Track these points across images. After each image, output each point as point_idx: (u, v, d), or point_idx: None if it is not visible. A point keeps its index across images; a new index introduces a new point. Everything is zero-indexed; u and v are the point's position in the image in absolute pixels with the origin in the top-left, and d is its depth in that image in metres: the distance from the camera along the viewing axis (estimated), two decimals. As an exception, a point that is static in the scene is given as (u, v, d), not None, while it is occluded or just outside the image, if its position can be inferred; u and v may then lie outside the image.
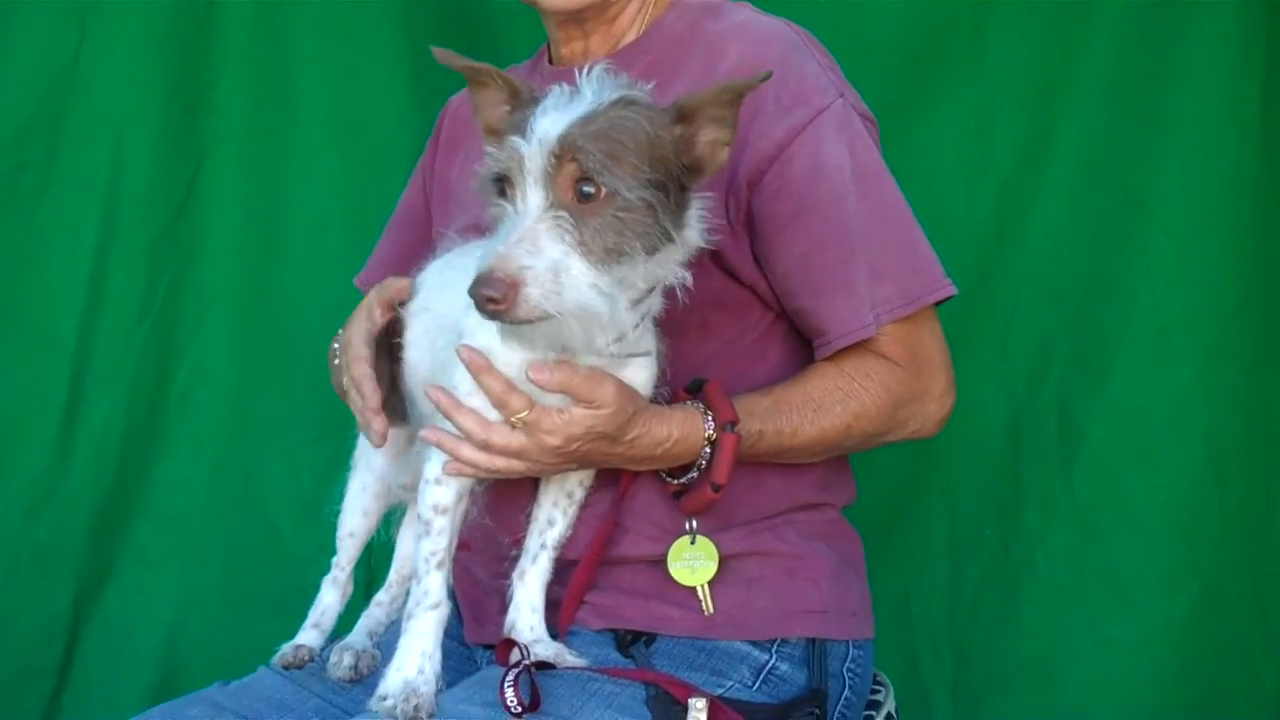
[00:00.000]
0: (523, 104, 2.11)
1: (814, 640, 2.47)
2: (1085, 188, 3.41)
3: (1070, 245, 3.42)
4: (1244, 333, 3.34)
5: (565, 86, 2.08)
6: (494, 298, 1.93)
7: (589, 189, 2.02)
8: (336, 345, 2.64)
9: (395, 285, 2.49)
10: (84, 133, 3.56)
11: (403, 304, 2.49)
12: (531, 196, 2.01)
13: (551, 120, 2.02)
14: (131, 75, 3.56)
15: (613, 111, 2.05)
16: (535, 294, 1.95)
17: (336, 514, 2.69)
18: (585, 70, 2.10)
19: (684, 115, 2.11)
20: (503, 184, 2.04)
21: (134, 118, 3.57)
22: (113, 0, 3.53)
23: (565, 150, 2.00)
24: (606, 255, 2.02)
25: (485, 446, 2.20)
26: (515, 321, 1.97)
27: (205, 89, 3.61)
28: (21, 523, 3.55)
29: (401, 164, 3.04)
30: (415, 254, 2.60)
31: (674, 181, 2.10)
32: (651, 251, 2.08)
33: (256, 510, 3.63)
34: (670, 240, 2.10)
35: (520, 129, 2.03)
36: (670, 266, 2.15)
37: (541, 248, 1.97)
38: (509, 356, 2.17)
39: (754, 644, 2.44)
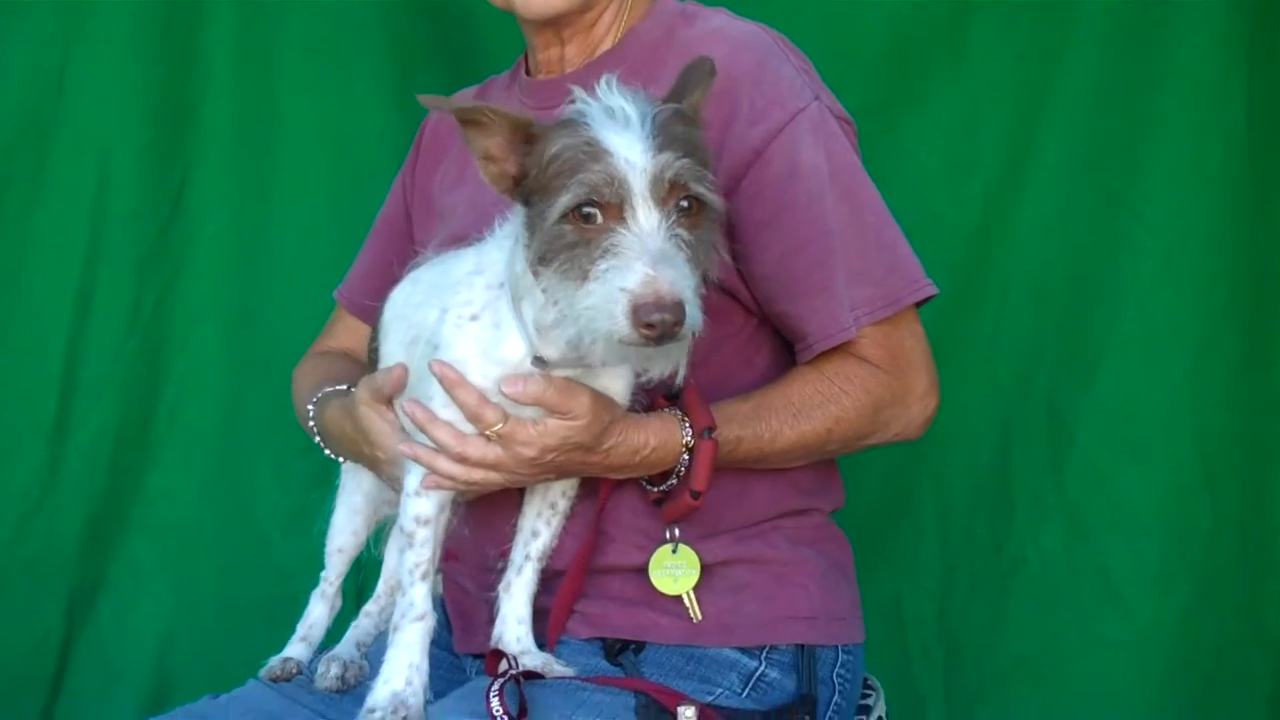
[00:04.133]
0: (542, 131, 2.06)
1: (803, 646, 2.47)
2: (1072, 188, 3.40)
3: (1057, 245, 3.42)
4: (1231, 331, 3.34)
5: (592, 102, 2.04)
6: (672, 321, 1.91)
7: (686, 204, 2.01)
8: (312, 424, 2.65)
9: (386, 379, 2.41)
10: (70, 147, 3.55)
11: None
12: (646, 217, 1.97)
13: (628, 140, 1.99)
14: (117, 90, 3.55)
15: (676, 126, 2.04)
16: (690, 311, 1.94)
17: (324, 531, 2.69)
18: (604, 82, 2.06)
19: (695, 118, 2.12)
20: (591, 209, 1.99)
21: (120, 132, 3.56)
22: (98, 16, 3.53)
23: (666, 167, 1.98)
24: (700, 266, 2.03)
25: (461, 459, 2.20)
26: (669, 342, 1.95)
27: (191, 104, 3.60)
28: (12, 536, 3.54)
29: (387, 177, 3.02)
30: (396, 265, 2.58)
31: None
32: (716, 259, 2.10)
33: (247, 521, 3.62)
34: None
35: (592, 153, 1.98)
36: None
37: (678, 266, 1.95)
38: (485, 369, 2.18)
39: (743, 651, 2.44)
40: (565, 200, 1.99)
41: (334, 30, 3.62)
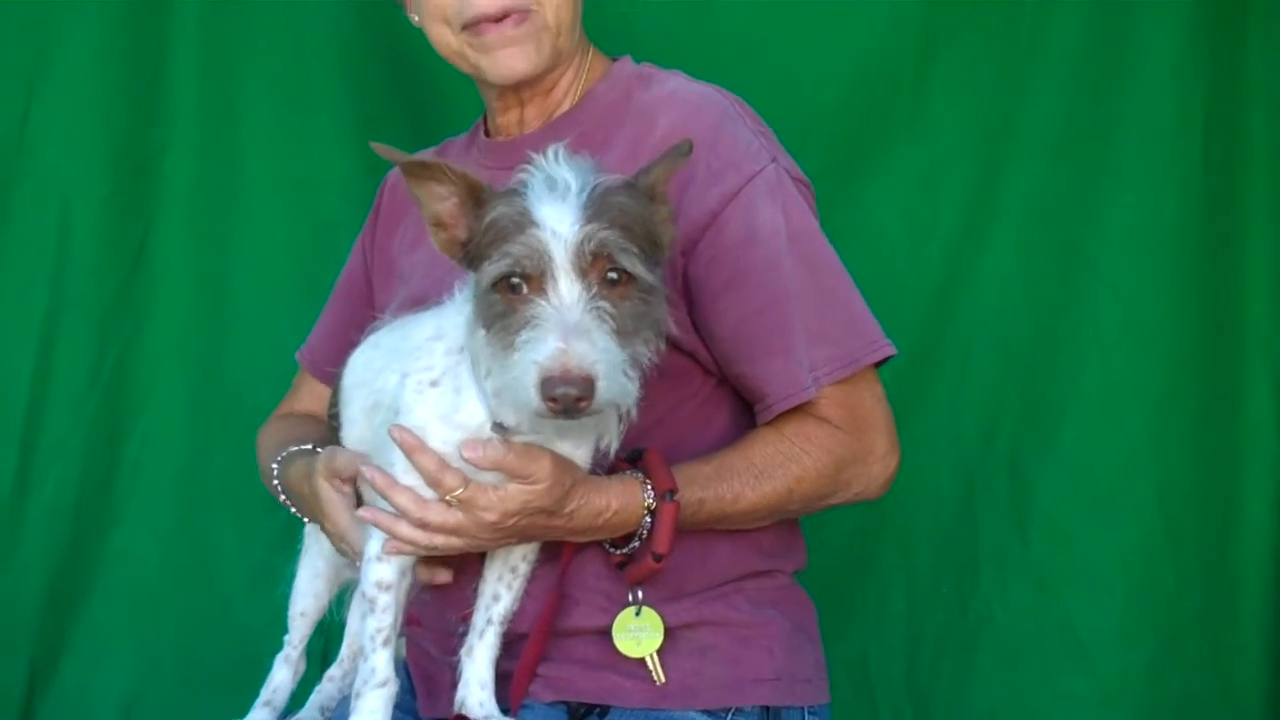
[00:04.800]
0: (489, 198, 2.09)
1: (768, 708, 2.47)
2: (1031, 245, 3.41)
3: (1018, 302, 3.43)
4: (1192, 386, 3.35)
5: (536, 171, 2.06)
6: (575, 396, 1.92)
7: (614, 276, 2.02)
8: (277, 482, 2.64)
9: (346, 465, 2.41)
10: (32, 199, 3.53)
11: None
12: (567, 289, 1.99)
13: (560, 211, 2.00)
14: (79, 141, 3.53)
15: (614, 198, 2.04)
16: (604, 386, 1.94)
17: (287, 594, 2.68)
18: (551, 153, 2.08)
19: (650, 194, 2.13)
20: (517, 279, 2.01)
21: (82, 184, 3.54)
22: (60, 66, 3.52)
23: (588, 239, 1.99)
24: (631, 339, 2.03)
25: (422, 524, 2.19)
26: (581, 416, 1.96)
27: (153, 155, 3.59)
28: (-27, 599, 3.51)
29: (350, 230, 3.03)
30: (357, 327, 2.58)
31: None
32: (658, 331, 2.10)
33: (209, 581, 3.58)
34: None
35: (520, 223, 2.01)
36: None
37: (595, 340, 1.96)
38: (445, 434, 2.17)
39: (708, 713, 2.43)
40: (493, 270, 2.02)
41: (296, 85, 3.62)
